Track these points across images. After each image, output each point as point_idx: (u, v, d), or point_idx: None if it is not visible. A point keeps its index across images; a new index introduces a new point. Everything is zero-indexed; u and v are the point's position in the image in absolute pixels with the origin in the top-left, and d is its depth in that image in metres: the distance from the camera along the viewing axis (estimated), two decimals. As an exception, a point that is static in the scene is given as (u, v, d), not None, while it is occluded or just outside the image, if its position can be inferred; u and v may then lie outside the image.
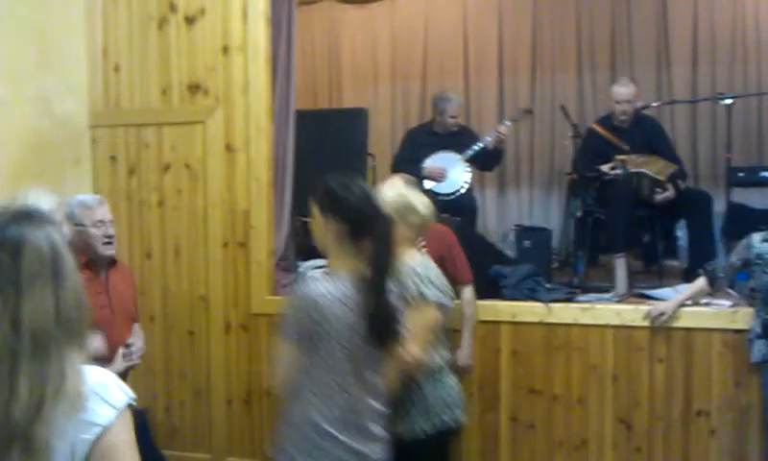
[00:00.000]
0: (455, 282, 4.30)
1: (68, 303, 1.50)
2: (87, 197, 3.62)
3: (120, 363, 3.40)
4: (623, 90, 5.43)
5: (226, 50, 4.60)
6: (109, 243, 3.48)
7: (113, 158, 4.79)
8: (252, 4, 4.55)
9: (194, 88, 4.68)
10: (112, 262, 3.59)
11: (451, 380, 3.46)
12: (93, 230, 3.43)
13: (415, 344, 3.03)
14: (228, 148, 4.59)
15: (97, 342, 3.22)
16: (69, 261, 1.54)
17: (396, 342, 2.69)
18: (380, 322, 2.60)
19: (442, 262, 4.12)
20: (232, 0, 4.58)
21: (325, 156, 5.04)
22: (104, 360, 3.24)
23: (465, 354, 4.34)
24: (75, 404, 1.48)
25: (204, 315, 4.67)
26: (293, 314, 2.62)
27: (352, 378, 2.61)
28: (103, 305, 3.45)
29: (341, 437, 2.61)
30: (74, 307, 1.52)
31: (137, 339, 3.59)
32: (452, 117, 5.90)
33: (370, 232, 2.60)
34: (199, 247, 4.68)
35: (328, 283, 2.58)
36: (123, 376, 3.46)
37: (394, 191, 3.32)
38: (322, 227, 2.69)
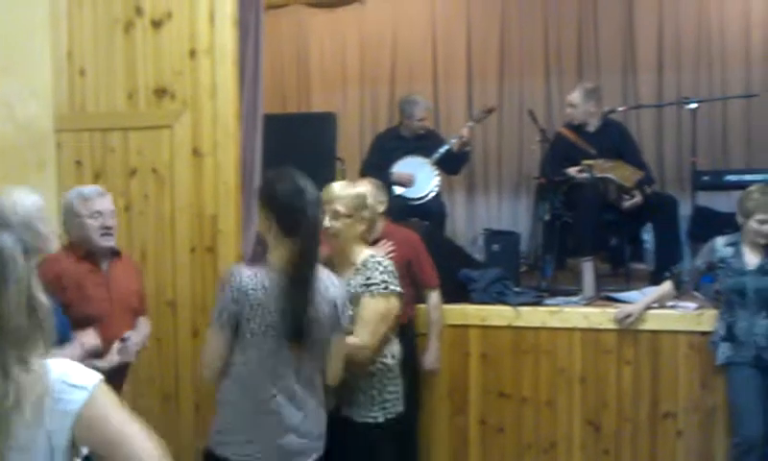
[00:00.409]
0: (422, 287, 4.32)
1: (13, 310, 1.48)
2: (87, 188, 3.59)
3: (114, 357, 3.31)
4: (568, 96, 5.54)
5: (193, 54, 4.56)
6: (107, 234, 3.45)
7: (79, 163, 4.73)
8: (219, 7, 4.52)
9: (161, 92, 4.63)
10: (115, 254, 3.57)
11: (398, 373, 3.48)
12: (90, 221, 3.41)
13: (365, 331, 3.10)
14: (196, 152, 4.56)
15: (90, 337, 3.18)
16: (18, 266, 1.50)
17: (310, 338, 2.72)
18: (293, 317, 2.67)
19: (408, 266, 4.15)
20: (199, 4, 4.54)
21: (294, 160, 4.95)
22: (98, 354, 3.19)
23: (432, 358, 4.36)
24: (37, 405, 1.47)
25: (172, 320, 4.62)
26: (220, 300, 2.74)
27: (264, 368, 2.71)
28: (102, 298, 3.41)
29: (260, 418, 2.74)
30: (23, 313, 1.49)
31: (136, 333, 3.52)
32: (420, 120, 5.91)
33: (297, 228, 2.67)
34: (166, 252, 4.63)
35: (255, 273, 2.70)
36: (120, 372, 3.42)
37: (348, 188, 3.34)
38: (261, 220, 2.81)
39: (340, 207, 3.21)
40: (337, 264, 3.21)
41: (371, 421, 3.24)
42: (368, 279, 3.17)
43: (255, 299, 2.67)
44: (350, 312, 3.00)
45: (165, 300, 4.61)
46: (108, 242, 3.48)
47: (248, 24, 4.64)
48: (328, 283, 2.82)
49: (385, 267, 3.24)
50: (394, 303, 3.26)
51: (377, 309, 3.15)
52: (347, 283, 3.08)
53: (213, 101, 4.54)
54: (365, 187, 3.49)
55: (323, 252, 2.93)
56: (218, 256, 4.55)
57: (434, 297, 4.35)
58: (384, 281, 3.18)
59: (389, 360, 3.36)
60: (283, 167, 2.85)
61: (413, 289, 4.28)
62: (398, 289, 3.29)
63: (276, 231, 2.73)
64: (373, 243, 4.20)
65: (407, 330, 4.26)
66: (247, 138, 4.67)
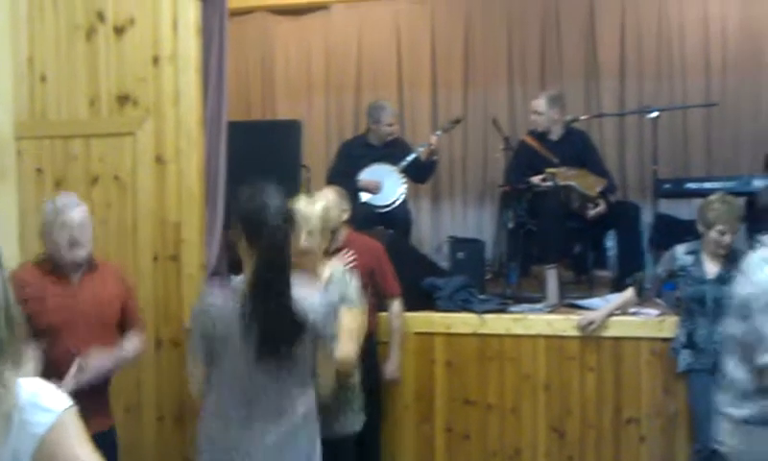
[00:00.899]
0: (384, 296, 4.34)
1: None
2: (61, 199, 3.53)
3: (69, 380, 3.14)
4: (532, 102, 5.62)
5: (156, 60, 4.53)
6: (75, 246, 3.39)
7: (39, 171, 4.66)
8: (182, 14, 4.49)
9: (123, 99, 4.59)
10: (92, 266, 3.51)
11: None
12: (58, 232, 3.36)
13: (350, 344, 3.09)
14: (159, 160, 4.52)
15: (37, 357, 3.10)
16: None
17: (284, 350, 2.66)
18: (264, 331, 2.61)
19: (371, 275, 4.17)
20: (163, 11, 4.51)
21: (259, 168, 4.96)
22: (55, 370, 3.06)
23: (393, 367, 4.37)
24: (5, 420, 1.44)
25: (135, 330, 4.57)
26: (193, 329, 2.72)
27: (242, 389, 2.67)
28: (62, 309, 3.34)
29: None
30: (3, 325, 1.48)
31: (98, 357, 3.32)
32: (388, 125, 5.92)
33: (261, 239, 2.62)
34: (128, 260, 4.58)
35: (223, 294, 2.69)
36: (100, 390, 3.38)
37: (312, 205, 3.32)
38: (233, 235, 2.77)
39: (314, 225, 3.19)
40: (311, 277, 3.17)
41: (338, 435, 3.27)
42: (342, 292, 3.18)
43: (224, 316, 2.64)
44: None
45: (128, 309, 4.55)
46: (76, 254, 3.41)
47: (212, 31, 4.62)
48: (305, 295, 2.74)
49: (354, 280, 3.28)
50: (362, 317, 3.32)
51: (356, 322, 3.18)
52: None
53: (176, 108, 4.50)
54: (326, 198, 3.50)
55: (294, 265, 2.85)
56: (181, 265, 4.51)
57: (396, 305, 4.37)
58: (356, 295, 3.25)
59: (356, 375, 3.42)
60: (254, 181, 2.79)
61: (375, 298, 4.30)
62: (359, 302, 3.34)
63: (245, 245, 2.69)
64: (335, 252, 4.22)
65: (369, 340, 4.28)
66: (210, 146, 4.64)
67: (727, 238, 3.92)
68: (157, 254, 4.55)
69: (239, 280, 2.72)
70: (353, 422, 3.44)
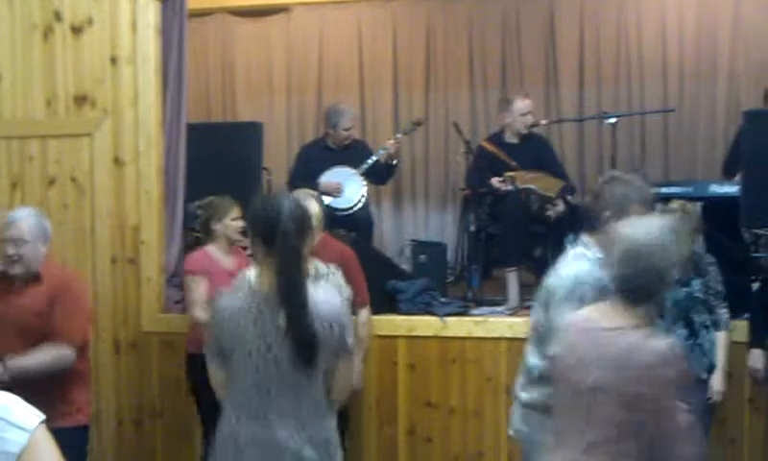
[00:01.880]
0: (353, 303, 4.32)
1: None
2: (9, 214, 3.57)
3: None
4: (523, 103, 5.58)
5: (114, 61, 4.49)
6: (11, 262, 3.44)
7: (-6, 172, 4.59)
8: (141, 15, 4.45)
9: (81, 100, 4.54)
10: (36, 278, 3.50)
11: None
12: (1, 246, 3.45)
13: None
14: (117, 161, 4.47)
15: None
16: None
17: (314, 356, 2.58)
18: (296, 336, 2.55)
19: (343, 280, 4.16)
20: (121, 11, 4.47)
21: (219, 169, 4.96)
22: None
23: (355, 377, 4.33)
24: None
25: (93, 335, 4.49)
26: (209, 330, 2.70)
27: (256, 391, 2.60)
28: None
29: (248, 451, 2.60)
30: None
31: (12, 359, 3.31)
32: (346, 130, 5.89)
33: (275, 245, 2.57)
34: (86, 263, 4.52)
35: (237, 296, 2.64)
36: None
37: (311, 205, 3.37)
38: (251, 244, 2.73)
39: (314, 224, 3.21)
40: None
41: None
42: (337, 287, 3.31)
43: (235, 318, 2.59)
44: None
45: (85, 313, 4.49)
46: (15, 270, 3.45)
47: (171, 32, 4.59)
48: (323, 299, 2.66)
49: (340, 274, 3.43)
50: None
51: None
52: None
53: (135, 109, 4.47)
54: (311, 198, 3.52)
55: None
56: (140, 268, 4.47)
57: (363, 314, 4.36)
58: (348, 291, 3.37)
59: None
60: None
61: None
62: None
63: (259, 251, 2.64)
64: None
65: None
66: (170, 147, 4.61)
67: None
68: (116, 257, 4.50)
69: (247, 280, 2.67)
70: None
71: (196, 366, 3.76)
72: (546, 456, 2.55)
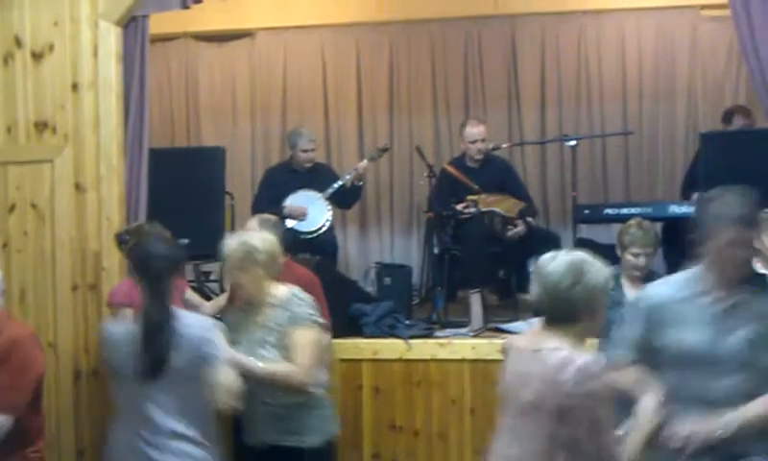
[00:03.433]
0: None
1: None
2: None
3: None
4: (475, 130, 5.64)
5: (75, 87, 4.47)
6: None
7: (-47, 199, 4.53)
8: (102, 41, 4.45)
9: (41, 126, 4.51)
10: None
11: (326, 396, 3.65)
12: None
13: (302, 359, 3.32)
14: (78, 187, 4.44)
15: None
16: None
17: (165, 375, 2.98)
18: (146, 357, 2.98)
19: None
20: (82, 37, 4.46)
21: (182, 195, 4.94)
22: None
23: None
24: None
25: (53, 363, 4.44)
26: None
27: (127, 411, 3.11)
28: None
29: None
30: None
31: None
32: (304, 151, 5.91)
33: (144, 276, 3.11)
34: (47, 291, 4.47)
35: (122, 324, 3.20)
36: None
37: (235, 240, 3.49)
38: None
39: (231, 264, 3.44)
40: (255, 304, 3.45)
41: (315, 445, 3.45)
42: (292, 314, 3.37)
43: (118, 346, 3.07)
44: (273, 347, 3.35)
45: (46, 341, 4.44)
46: None
47: (133, 57, 4.58)
48: (188, 322, 3.10)
49: (307, 301, 3.45)
50: (319, 333, 3.47)
51: (308, 338, 3.37)
52: (267, 319, 3.38)
53: (96, 135, 4.45)
54: (252, 230, 3.64)
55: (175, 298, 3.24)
56: (101, 295, 4.42)
57: (325, 339, 4.36)
58: (309, 314, 3.41)
59: (318, 390, 3.51)
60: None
61: None
62: (321, 320, 3.53)
63: (137, 280, 3.21)
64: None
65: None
66: (131, 173, 4.59)
67: (642, 261, 4.02)
68: (77, 284, 4.46)
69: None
70: (322, 432, 3.52)
71: None
72: None
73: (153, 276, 3.08)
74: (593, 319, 2.52)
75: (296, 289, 3.48)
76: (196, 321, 3.18)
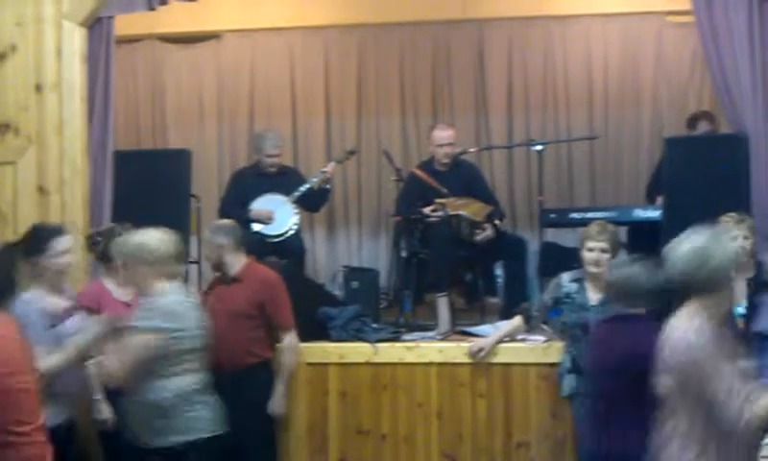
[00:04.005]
0: (277, 328, 4.32)
1: None
2: None
3: None
4: (443, 134, 5.67)
5: (39, 88, 4.42)
6: None
7: None
8: (66, 42, 4.41)
9: (4, 128, 4.46)
10: None
11: (204, 399, 3.58)
12: None
13: (114, 361, 3.39)
14: (41, 190, 4.40)
15: None
16: None
17: None
18: None
19: (261, 308, 4.17)
20: (46, 38, 4.42)
21: (147, 197, 4.90)
22: None
23: (277, 403, 4.31)
24: None
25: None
26: None
27: None
28: None
29: None
30: None
31: None
32: (269, 156, 5.89)
33: None
34: (9, 295, 4.40)
35: None
36: None
37: (134, 237, 3.58)
38: None
39: (125, 257, 3.56)
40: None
41: (174, 445, 3.45)
42: (137, 316, 3.45)
43: None
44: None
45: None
46: None
47: (98, 59, 4.55)
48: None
49: (158, 307, 3.45)
50: (148, 340, 3.39)
51: (131, 344, 3.39)
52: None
53: (60, 137, 4.41)
54: (152, 234, 3.58)
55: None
56: (65, 299, 4.37)
57: (288, 339, 4.36)
58: (143, 319, 3.42)
59: (168, 395, 3.44)
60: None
61: (265, 331, 4.31)
62: (160, 326, 3.41)
63: None
64: (232, 281, 4.20)
65: (261, 372, 4.26)
66: (96, 175, 4.55)
67: (594, 255, 4.04)
68: (40, 288, 4.39)
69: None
70: (190, 427, 3.50)
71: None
72: None
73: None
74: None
75: (170, 297, 3.50)
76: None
